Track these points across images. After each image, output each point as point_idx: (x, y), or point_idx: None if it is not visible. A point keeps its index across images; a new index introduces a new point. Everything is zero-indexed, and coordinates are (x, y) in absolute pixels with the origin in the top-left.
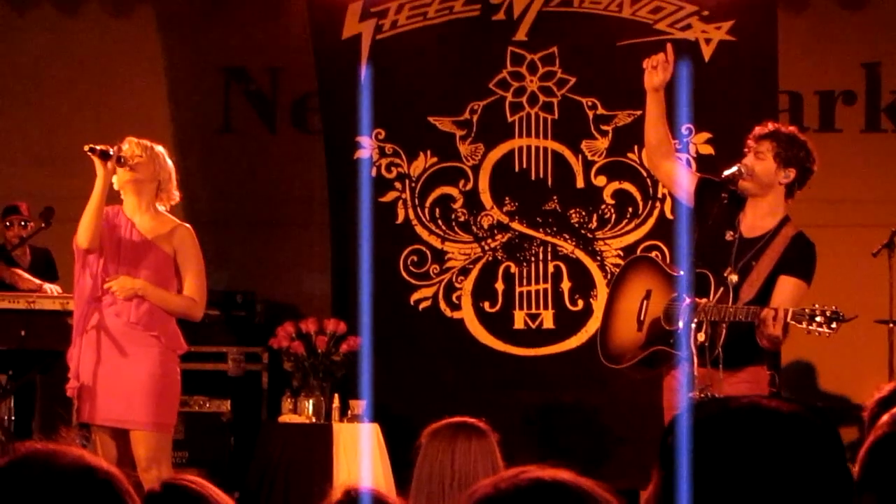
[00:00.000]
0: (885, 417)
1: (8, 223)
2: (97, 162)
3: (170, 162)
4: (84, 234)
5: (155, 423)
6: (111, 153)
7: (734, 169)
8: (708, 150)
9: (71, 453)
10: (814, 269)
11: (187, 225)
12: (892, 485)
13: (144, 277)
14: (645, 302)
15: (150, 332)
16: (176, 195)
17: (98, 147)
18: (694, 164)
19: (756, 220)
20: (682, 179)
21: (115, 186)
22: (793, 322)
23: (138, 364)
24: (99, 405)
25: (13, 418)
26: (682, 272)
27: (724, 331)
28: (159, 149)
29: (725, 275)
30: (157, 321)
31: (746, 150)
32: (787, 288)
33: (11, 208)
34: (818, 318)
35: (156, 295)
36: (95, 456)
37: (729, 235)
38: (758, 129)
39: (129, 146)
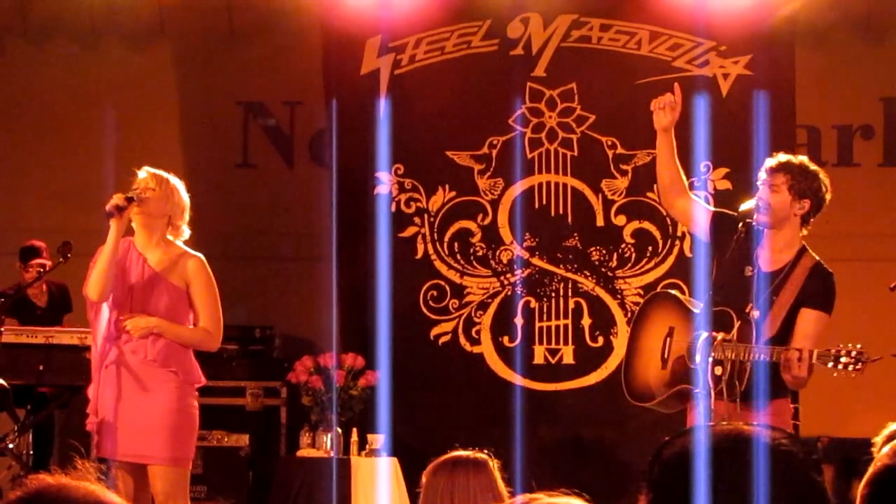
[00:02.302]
0: (886, 449)
1: (28, 267)
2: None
3: (185, 196)
4: (94, 287)
5: (173, 458)
6: (129, 203)
7: (753, 202)
8: (726, 185)
9: (82, 488)
10: (834, 299)
11: (199, 254)
12: None
13: (158, 314)
14: (668, 339)
15: (167, 368)
16: (186, 232)
17: (117, 205)
18: (712, 201)
19: (774, 253)
20: (697, 216)
21: None
22: (818, 363)
23: (156, 399)
24: (118, 440)
25: (31, 453)
26: (701, 307)
27: (749, 366)
28: (175, 181)
29: (747, 311)
30: (174, 357)
31: (760, 182)
32: (809, 321)
33: (32, 250)
34: (843, 360)
35: (171, 331)
36: (108, 491)
37: (748, 271)
38: (770, 162)
39: (145, 176)
